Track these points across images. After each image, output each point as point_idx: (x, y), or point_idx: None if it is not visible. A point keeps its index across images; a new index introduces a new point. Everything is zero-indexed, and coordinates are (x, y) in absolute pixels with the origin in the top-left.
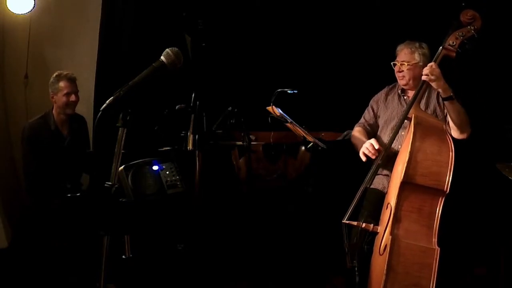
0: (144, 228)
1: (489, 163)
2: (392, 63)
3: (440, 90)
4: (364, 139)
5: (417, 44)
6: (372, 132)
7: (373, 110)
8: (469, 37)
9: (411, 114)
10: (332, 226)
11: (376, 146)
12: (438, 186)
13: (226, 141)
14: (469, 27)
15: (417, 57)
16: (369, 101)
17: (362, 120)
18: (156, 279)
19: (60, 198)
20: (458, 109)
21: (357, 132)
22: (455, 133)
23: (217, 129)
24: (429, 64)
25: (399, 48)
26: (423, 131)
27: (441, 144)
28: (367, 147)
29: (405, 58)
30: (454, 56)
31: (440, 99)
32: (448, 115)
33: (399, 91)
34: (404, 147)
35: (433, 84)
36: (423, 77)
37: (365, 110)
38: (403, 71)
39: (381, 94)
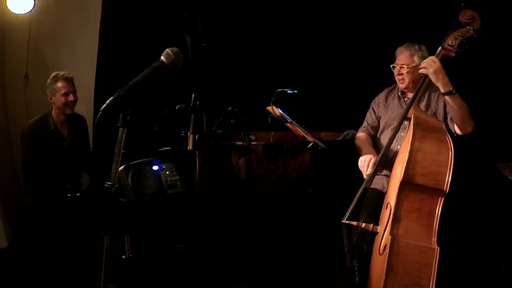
0: (144, 228)
1: (489, 163)
2: (391, 66)
3: (438, 84)
4: (368, 145)
5: (416, 47)
6: (376, 135)
7: (374, 113)
8: (468, 37)
9: (411, 115)
10: (332, 226)
11: (368, 171)
12: (438, 186)
13: (226, 141)
14: (468, 27)
15: (416, 59)
16: (369, 102)
17: (365, 124)
18: (156, 279)
19: (60, 198)
20: (459, 103)
21: (361, 137)
22: (458, 129)
23: (217, 129)
24: (429, 57)
25: (398, 50)
26: (422, 131)
27: (440, 144)
28: (365, 160)
29: (405, 61)
30: (453, 56)
31: (441, 99)
32: (449, 112)
33: (399, 93)
34: (403, 147)
35: (432, 77)
36: (421, 70)
37: (365, 111)
38: (402, 74)
39: (381, 96)
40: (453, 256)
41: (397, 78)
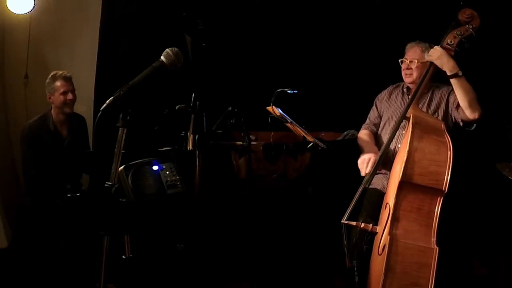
0: (144, 228)
1: (489, 163)
2: (399, 60)
3: (445, 68)
4: (371, 143)
5: (427, 44)
6: (378, 132)
7: (377, 110)
8: (468, 36)
9: (410, 114)
10: (333, 226)
11: (367, 170)
12: (437, 186)
13: (226, 141)
14: (467, 26)
15: (426, 56)
16: (369, 102)
17: (367, 121)
18: (156, 279)
19: (60, 198)
20: (466, 86)
21: (364, 135)
22: (466, 113)
23: (217, 129)
24: (434, 47)
25: (409, 46)
26: (421, 130)
27: (439, 144)
28: (365, 159)
29: (415, 56)
30: (452, 55)
31: (444, 97)
32: (456, 97)
33: (405, 89)
34: (402, 146)
35: (437, 63)
36: (427, 58)
37: (365, 111)
38: (411, 68)
39: (384, 93)
40: (453, 256)
41: (404, 72)
